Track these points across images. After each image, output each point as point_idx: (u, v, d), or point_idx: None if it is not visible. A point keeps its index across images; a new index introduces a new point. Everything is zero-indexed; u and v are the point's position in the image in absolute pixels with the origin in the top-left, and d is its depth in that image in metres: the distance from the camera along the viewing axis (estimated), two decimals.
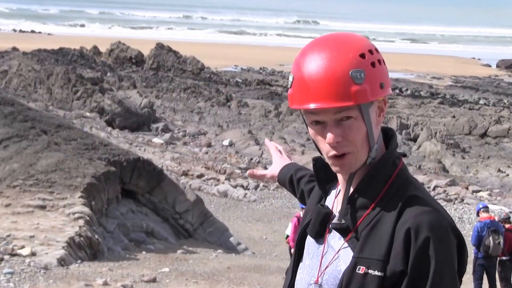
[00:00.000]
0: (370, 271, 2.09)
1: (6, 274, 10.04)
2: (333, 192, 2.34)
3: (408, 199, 2.14)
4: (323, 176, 2.33)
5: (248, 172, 2.97)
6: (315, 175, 2.34)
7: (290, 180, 2.84)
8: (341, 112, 2.10)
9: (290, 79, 2.18)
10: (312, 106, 2.10)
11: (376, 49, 2.16)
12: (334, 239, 2.21)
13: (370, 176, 2.18)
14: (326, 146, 2.14)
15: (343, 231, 2.19)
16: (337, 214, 2.24)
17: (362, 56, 2.11)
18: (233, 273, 12.05)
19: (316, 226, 2.25)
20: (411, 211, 2.11)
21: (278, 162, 2.96)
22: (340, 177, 2.25)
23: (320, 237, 2.26)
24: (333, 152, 2.13)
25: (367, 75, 2.10)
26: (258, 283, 11.52)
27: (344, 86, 2.08)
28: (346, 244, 2.17)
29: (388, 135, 2.26)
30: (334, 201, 2.30)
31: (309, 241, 2.31)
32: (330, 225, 2.22)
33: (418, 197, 2.15)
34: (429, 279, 2.06)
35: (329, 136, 2.11)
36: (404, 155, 2.30)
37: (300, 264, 2.34)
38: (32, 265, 10.47)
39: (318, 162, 2.31)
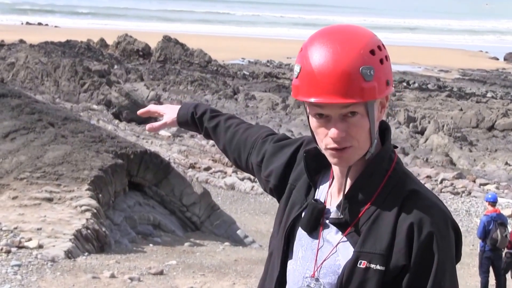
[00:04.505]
0: (372, 265, 2.10)
1: (14, 267, 10.06)
2: (324, 185, 2.32)
3: (408, 194, 2.14)
4: (313, 167, 2.30)
5: (147, 127, 2.86)
6: (305, 166, 2.31)
7: (191, 118, 2.76)
8: (347, 108, 2.09)
9: (297, 69, 2.14)
10: (319, 100, 2.08)
11: (383, 45, 2.15)
12: (330, 233, 2.21)
13: (369, 171, 2.18)
14: (327, 139, 2.13)
15: (342, 226, 2.18)
16: (331, 208, 2.22)
17: (372, 52, 2.09)
18: (240, 265, 12.05)
19: (311, 221, 2.23)
20: (413, 206, 2.11)
21: (170, 108, 2.86)
22: (337, 170, 2.23)
23: (313, 231, 2.25)
24: (334, 145, 2.12)
25: (376, 72, 2.08)
26: None
27: (354, 82, 2.06)
28: (345, 239, 2.17)
29: (382, 128, 2.24)
30: (327, 194, 2.28)
31: (301, 233, 2.28)
32: (328, 220, 2.21)
33: (417, 191, 2.15)
34: (432, 274, 2.07)
35: (334, 131, 2.10)
36: (396, 147, 2.29)
37: (291, 254, 2.31)
38: (39, 258, 10.48)
39: (309, 153, 2.29)
